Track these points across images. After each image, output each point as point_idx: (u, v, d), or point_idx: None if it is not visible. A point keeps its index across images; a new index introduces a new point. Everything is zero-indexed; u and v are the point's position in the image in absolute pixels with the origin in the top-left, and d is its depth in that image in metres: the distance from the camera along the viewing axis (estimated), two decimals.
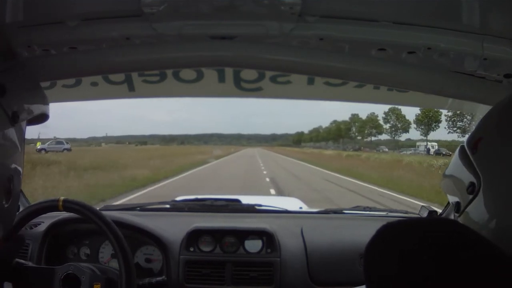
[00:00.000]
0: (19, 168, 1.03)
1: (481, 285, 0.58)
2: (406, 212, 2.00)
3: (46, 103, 1.15)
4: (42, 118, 1.14)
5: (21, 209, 1.55)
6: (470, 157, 0.86)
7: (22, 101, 1.04)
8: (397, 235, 0.67)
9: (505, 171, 0.78)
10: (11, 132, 0.99)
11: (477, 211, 0.84)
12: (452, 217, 1.70)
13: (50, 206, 1.29)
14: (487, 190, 0.81)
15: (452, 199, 0.95)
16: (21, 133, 1.06)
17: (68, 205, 1.27)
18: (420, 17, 0.99)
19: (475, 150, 0.85)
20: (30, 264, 1.36)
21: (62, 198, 1.28)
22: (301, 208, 2.50)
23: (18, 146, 1.02)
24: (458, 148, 0.95)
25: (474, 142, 0.87)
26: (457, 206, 0.91)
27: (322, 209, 2.13)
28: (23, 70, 1.07)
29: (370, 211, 2.03)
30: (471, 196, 0.84)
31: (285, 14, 0.96)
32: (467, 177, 0.85)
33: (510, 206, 0.76)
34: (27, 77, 1.08)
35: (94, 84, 1.62)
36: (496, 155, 0.81)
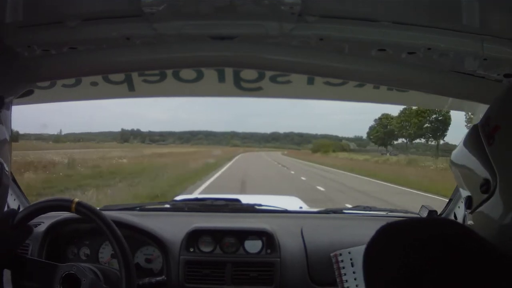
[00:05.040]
0: (7, 154, 1.01)
1: (480, 286, 0.58)
2: (406, 212, 2.00)
3: (31, 77, 1.12)
4: (28, 93, 1.12)
5: (21, 209, 1.55)
6: (486, 148, 0.75)
7: (6, 82, 1.01)
8: (397, 235, 0.67)
9: None
10: None
11: (491, 214, 0.76)
12: (452, 216, 1.70)
13: (63, 205, 1.28)
14: (505, 191, 0.72)
15: (464, 192, 0.87)
16: (7, 117, 1.03)
17: (80, 209, 1.26)
18: (420, 17, 0.99)
19: (492, 140, 0.74)
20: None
21: (76, 200, 1.26)
22: (301, 207, 2.49)
23: (4, 132, 1.00)
24: (470, 128, 0.83)
25: (490, 130, 0.75)
26: (469, 202, 0.82)
27: (322, 209, 2.12)
28: (4, 48, 1.03)
29: (370, 211, 2.02)
30: (485, 196, 0.76)
31: (285, 14, 0.96)
32: (481, 172, 0.76)
33: None
34: (9, 54, 1.04)
35: (94, 84, 1.62)
36: None
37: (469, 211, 0.82)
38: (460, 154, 0.86)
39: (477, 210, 0.79)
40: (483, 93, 1.10)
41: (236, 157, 40.16)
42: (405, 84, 1.25)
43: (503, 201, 0.72)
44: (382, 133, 49.41)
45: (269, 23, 1.01)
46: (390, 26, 1.00)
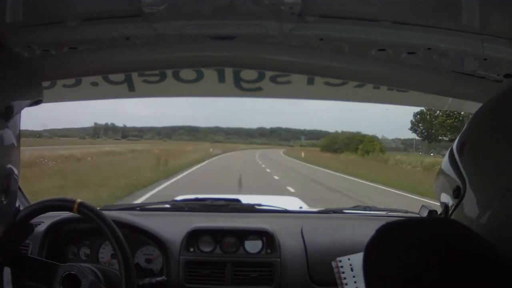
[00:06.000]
0: (16, 165, 1.02)
1: (480, 286, 0.58)
2: (406, 212, 1.99)
3: (39, 87, 1.12)
4: (37, 103, 1.13)
5: (21, 208, 1.55)
6: (457, 159, 0.86)
7: (15, 93, 1.02)
8: (397, 235, 0.67)
9: (486, 175, 0.77)
10: (6, 129, 0.98)
11: (462, 216, 0.84)
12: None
13: (65, 206, 1.28)
14: (471, 194, 0.80)
15: (441, 202, 0.94)
16: (16, 127, 1.04)
17: (82, 209, 1.26)
18: (420, 17, 0.99)
19: (461, 153, 0.85)
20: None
21: (78, 200, 1.27)
22: (301, 207, 2.49)
23: (14, 142, 1.01)
24: (448, 151, 0.94)
25: (460, 145, 0.87)
26: (445, 210, 0.91)
27: (322, 208, 2.12)
28: (13, 59, 1.03)
29: (370, 210, 2.02)
30: (457, 200, 0.84)
31: (285, 14, 0.96)
32: (454, 180, 0.85)
33: (490, 209, 0.75)
34: (19, 65, 1.05)
35: (94, 84, 1.62)
36: (478, 160, 0.81)
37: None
38: (441, 171, 0.96)
39: (453, 215, 0.87)
40: (483, 93, 1.10)
41: (191, 170, 18.14)
42: (405, 84, 1.25)
43: (470, 203, 0.80)
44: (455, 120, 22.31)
45: (269, 23, 1.01)
46: (390, 26, 1.00)
